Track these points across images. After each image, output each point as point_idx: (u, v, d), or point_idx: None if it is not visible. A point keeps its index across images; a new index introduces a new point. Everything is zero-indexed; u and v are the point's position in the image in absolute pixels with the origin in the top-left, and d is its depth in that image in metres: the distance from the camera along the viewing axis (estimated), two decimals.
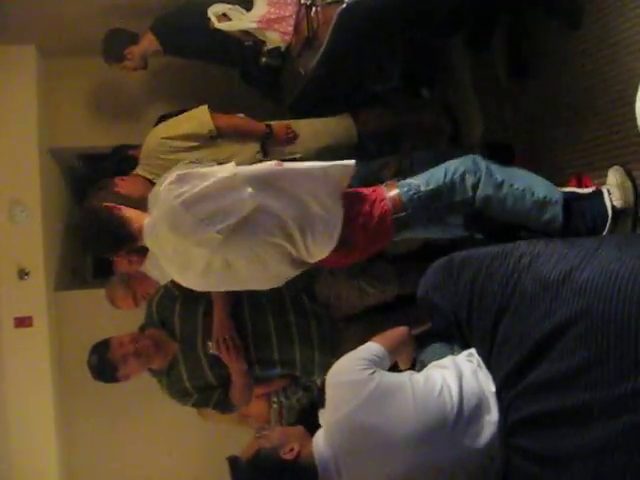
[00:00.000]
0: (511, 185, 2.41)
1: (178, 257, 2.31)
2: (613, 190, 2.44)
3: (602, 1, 2.53)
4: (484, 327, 1.86)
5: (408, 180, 2.47)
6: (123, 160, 3.70)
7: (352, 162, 2.44)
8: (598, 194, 2.47)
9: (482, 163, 2.45)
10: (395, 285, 3.02)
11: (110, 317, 3.48)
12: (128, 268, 3.34)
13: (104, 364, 2.89)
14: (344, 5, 2.59)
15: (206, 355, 2.93)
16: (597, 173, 2.62)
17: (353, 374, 1.88)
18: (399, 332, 2.19)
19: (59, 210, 4.50)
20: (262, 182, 2.29)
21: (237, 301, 2.95)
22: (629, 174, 2.45)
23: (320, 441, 1.89)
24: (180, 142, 3.28)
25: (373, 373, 1.87)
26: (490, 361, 1.88)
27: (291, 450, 1.87)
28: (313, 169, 2.40)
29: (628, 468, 1.44)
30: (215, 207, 2.18)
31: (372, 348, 2.01)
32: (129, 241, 2.40)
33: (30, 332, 4.09)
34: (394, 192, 2.44)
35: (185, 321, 2.98)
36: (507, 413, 1.78)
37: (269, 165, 2.40)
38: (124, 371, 2.91)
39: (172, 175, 2.25)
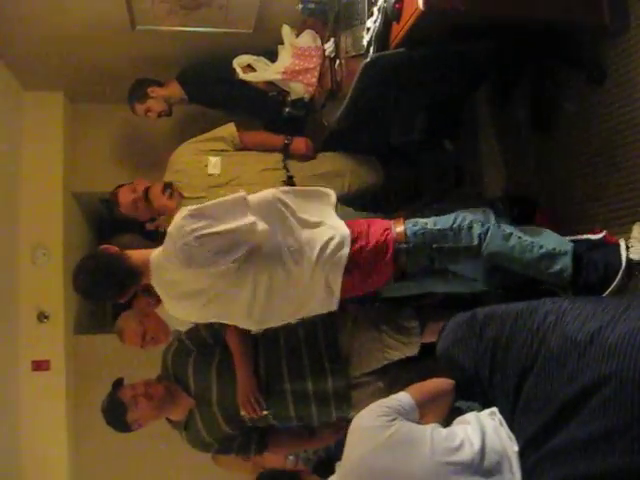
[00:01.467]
0: (519, 237, 2.47)
1: (183, 286, 2.36)
2: (635, 244, 2.42)
3: (628, 57, 2.54)
4: (507, 386, 1.83)
5: (417, 219, 2.53)
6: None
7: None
8: (615, 246, 2.46)
9: (492, 216, 2.52)
10: (417, 337, 2.98)
11: (128, 362, 3.47)
12: (146, 308, 3.37)
13: (114, 404, 2.86)
14: (368, 59, 2.62)
15: (221, 410, 2.90)
16: (620, 229, 2.60)
17: (373, 420, 1.87)
18: (438, 384, 2.12)
19: (80, 253, 4.51)
20: (266, 209, 2.40)
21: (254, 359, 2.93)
22: None
23: None
24: (208, 143, 3.49)
25: (393, 420, 1.85)
26: (513, 421, 1.85)
27: None
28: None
29: None
30: (229, 239, 2.26)
31: (400, 398, 1.99)
32: (132, 279, 2.42)
33: (47, 376, 4.09)
34: (400, 227, 2.52)
35: (199, 377, 2.94)
36: (531, 476, 1.74)
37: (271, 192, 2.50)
38: (135, 414, 2.85)
39: (183, 211, 2.29)
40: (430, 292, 2.87)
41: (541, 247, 2.44)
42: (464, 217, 2.49)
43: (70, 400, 4.15)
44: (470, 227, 2.46)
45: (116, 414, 2.86)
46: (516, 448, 1.81)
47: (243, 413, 2.84)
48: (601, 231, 2.64)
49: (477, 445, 1.80)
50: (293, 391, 2.87)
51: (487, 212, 2.53)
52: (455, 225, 2.47)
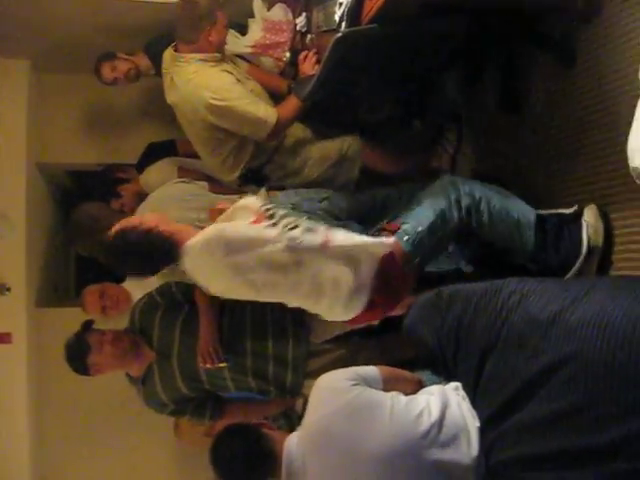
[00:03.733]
0: (488, 202, 2.51)
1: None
2: (590, 228, 2.47)
3: (598, 41, 2.56)
4: (470, 363, 1.85)
5: (403, 227, 2.47)
6: (111, 182, 3.71)
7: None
8: (578, 224, 2.50)
9: (459, 186, 2.53)
10: None
11: None
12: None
13: (79, 343, 2.86)
14: (339, 34, 2.60)
15: (180, 367, 2.91)
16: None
17: (336, 382, 1.94)
18: (407, 374, 2.18)
19: (44, 225, 4.47)
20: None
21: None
22: (604, 215, 2.48)
23: (294, 439, 1.97)
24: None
25: (355, 385, 1.90)
26: (475, 398, 1.87)
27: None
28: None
29: None
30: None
31: (368, 369, 2.04)
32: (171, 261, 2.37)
33: (9, 349, 4.05)
34: (392, 240, 2.42)
35: (163, 330, 2.96)
36: (489, 452, 1.76)
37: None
38: (97, 358, 2.86)
39: (217, 238, 2.24)
40: None
41: (507, 214, 2.50)
42: (438, 204, 2.50)
43: (32, 374, 4.11)
44: (450, 206, 2.48)
45: (79, 353, 2.87)
46: (477, 424, 1.84)
47: (201, 363, 2.85)
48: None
49: (435, 416, 1.84)
50: (253, 349, 2.91)
51: (454, 182, 2.56)
52: (437, 214, 2.47)
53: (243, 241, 2.21)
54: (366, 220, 2.92)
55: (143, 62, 3.77)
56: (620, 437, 1.44)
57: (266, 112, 3.12)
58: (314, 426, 1.92)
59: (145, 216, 2.46)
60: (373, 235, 2.52)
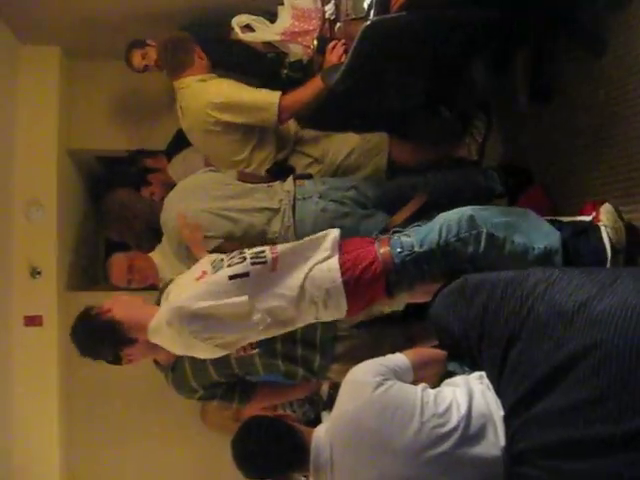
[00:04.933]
0: (512, 242, 2.34)
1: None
2: (609, 229, 2.44)
3: (629, 29, 2.53)
4: (495, 352, 1.85)
5: (402, 238, 2.40)
6: (140, 169, 3.74)
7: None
8: (596, 230, 2.46)
9: (480, 219, 2.35)
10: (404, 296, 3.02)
11: None
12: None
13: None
14: (368, 22, 2.60)
15: None
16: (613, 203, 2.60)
17: (366, 376, 1.91)
18: (434, 353, 2.17)
19: (74, 211, 4.53)
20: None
21: None
22: (619, 214, 2.46)
23: (322, 431, 1.96)
24: None
25: (386, 380, 1.88)
26: (499, 387, 1.87)
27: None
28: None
29: None
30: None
31: (397, 358, 2.02)
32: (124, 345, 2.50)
33: (39, 331, 4.12)
34: (385, 249, 2.39)
35: None
36: (512, 441, 1.77)
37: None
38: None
39: (183, 310, 2.29)
40: None
41: (534, 249, 2.34)
42: (449, 228, 2.36)
43: (62, 356, 4.17)
44: (459, 240, 2.33)
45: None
46: (502, 413, 1.84)
47: (234, 352, 2.88)
48: (593, 209, 2.63)
49: (464, 409, 1.82)
50: (282, 335, 2.93)
51: (473, 216, 2.37)
52: (442, 242, 2.34)
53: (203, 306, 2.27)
54: (393, 209, 2.92)
55: None
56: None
57: (266, 96, 3.17)
58: (343, 419, 1.90)
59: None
60: (381, 233, 2.53)
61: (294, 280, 2.40)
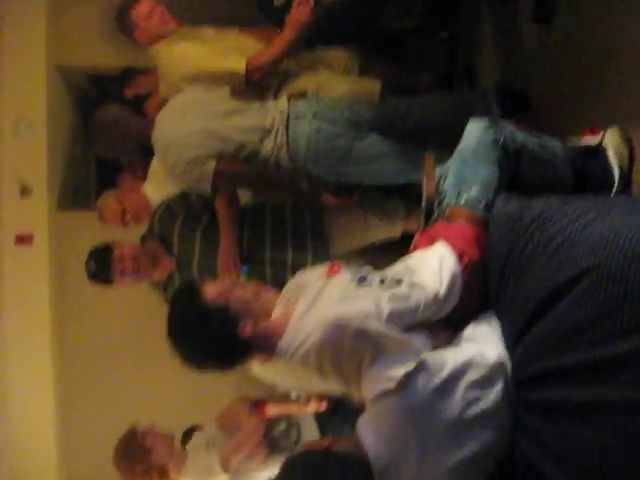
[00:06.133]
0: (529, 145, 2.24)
1: None
2: (613, 154, 2.41)
3: None
4: (493, 283, 1.87)
5: (471, 195, 2.07)
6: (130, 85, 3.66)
7: None
8: (603, 152, 2.42)
9: (501, 130, 2.18)
10: (402, 221, 3.02)
11: (111, 239, 3.46)
12: (131, 186, 3.36)
13: (101, 273, 2.95)
14: None
15: (200, 275, 2.97)
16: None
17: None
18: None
19: (64, 129, 4.46)
20: None
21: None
22: (627, 138, 2.41)
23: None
24: None
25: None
26: (499, 314, 1.88)
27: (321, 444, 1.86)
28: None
29: (628, 428, 1.45)
30: None
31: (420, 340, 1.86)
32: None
33: (30, 250, 4.10)
34: (468, 211, 2.06)
35: (183, 240, 3.01)
36: (515, 370, 1.78)
37: None
38: (120, 282, 3.02)
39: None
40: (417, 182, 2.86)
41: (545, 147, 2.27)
42: (480, 142, 2.13)
43: (53, 275, 4.18)
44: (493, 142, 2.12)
45: (101, 279, 3.05)
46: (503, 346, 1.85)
47: (221, 276, 2.89)
48: (592, 134, 2.59)
49: (493, 357, 1.79)
50: (272, 260, 2.95)
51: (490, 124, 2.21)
52: (492, 167, 2.10)
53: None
54: (388, 131, 2.88)
55: None
56: (633, 349, 1.45)
57: (231, 65, 3.10)
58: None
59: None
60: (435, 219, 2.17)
61: None
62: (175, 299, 2.02)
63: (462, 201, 2.05)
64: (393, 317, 1.79)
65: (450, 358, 1.79)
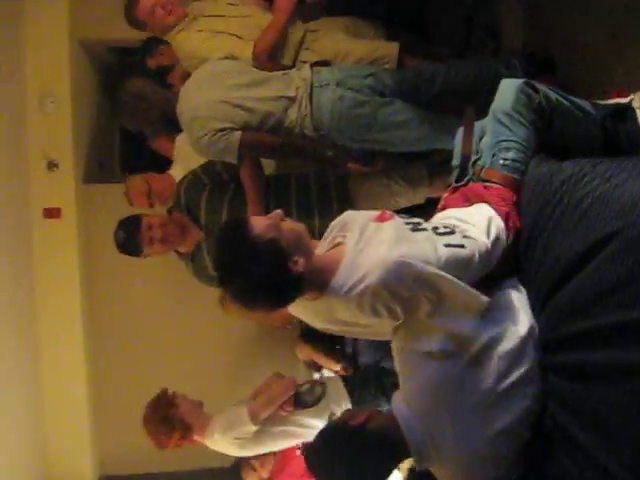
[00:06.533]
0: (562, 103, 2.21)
1: None
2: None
3: None
4: (521, 246, 1.87)
5: (508, 157, 2.04)
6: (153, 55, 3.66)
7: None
8: (633, 113, 2.39)
9: (534, 91, 2.15)
10: (425, 187, 3.03)
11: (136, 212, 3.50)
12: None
13: (130, 243, 3.00)
14: None
15: None
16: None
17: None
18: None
19: (89, 102, 4.48)
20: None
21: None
22: None
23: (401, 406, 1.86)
24: None
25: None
26: (525, 277, 1.89)
27: (358, 418, 1.82)
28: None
29: None
30: None
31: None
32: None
33: (59, 223, 4.16)
34: (505, 174, 2.04)
35: (210, 210, 3.03)
36: (541, 331, 1.79)
37: None
38: (148, 252, 3.06)
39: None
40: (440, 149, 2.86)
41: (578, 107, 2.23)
42: (513, 106, 2.11)
43: (82, 247, 4.23)
44: (527, 97, 2.11)
45: (130, 250, 3.09)
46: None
47: None
48: (624, 92, 2.55)
49: (524, 326, 1.79)
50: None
51: (523, 87, 2.18)
52: (525, 122, 2.09)
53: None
54: (412, 97, 2.88)
55: None
56: None
57: (238, 53, 3.13)
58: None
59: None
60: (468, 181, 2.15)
61: None
62: (222, 234, 1.89)
63: (499, 163, 2.04)
64: (449, 264, 1.74)
65: (482, 328, 1.77)
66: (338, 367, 3.47)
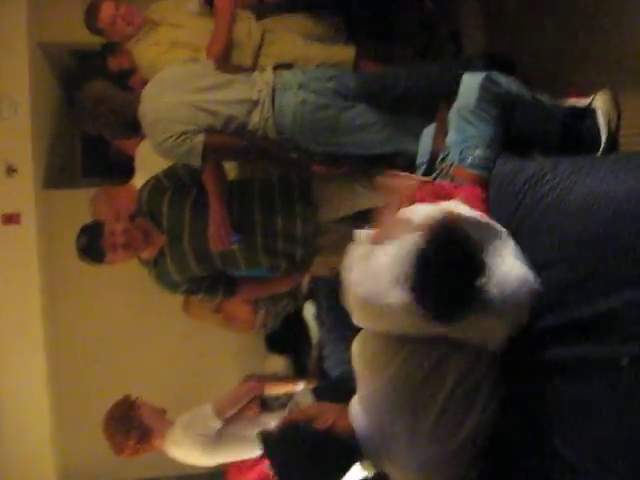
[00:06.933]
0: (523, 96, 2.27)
1: None
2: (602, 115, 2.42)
3: None
4: None
5: (476, 156, 2.06)
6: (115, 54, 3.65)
7: None
8: (593, 114, 2.44)
9: (496, 84, 2.19)
10: None
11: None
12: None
13: (93, 249, 2.93)
14: None
15: (192, 248, 2.96)
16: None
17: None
18: None
19: (48, 106, 4.43)
20: None
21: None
22: (616, 101, 2.41)
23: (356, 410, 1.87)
24: None
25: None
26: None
27: (325, 422, 1.82)
28: None
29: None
30: None
31: None
32: None
33: (18, 229, 4.09)
34: (473, 172, 2.05)
35: (173, 213, 2.99)
36: None
37: None
38: (111, 258, 2.96)
39: None
40: (403, 151, 2.87)
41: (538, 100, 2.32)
42: (478, 95, 2.14)
43: (42, 254, 4.17)
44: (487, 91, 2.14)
45: (92, 256, 2.97)
46: None
47: (212, 247, 2.90)
48: (581, 95, 2.59)
49: None
50: (262, 226, 2.95)
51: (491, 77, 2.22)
52: (494, 112, 2.12)
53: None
54: (375, 100, 2.88)
55: None
56: (623, 303, 1.48)
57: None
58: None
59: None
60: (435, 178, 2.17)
61: None
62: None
63: (468, 162, 2.05)
64: None
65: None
66: (300, 384, 3.50)
